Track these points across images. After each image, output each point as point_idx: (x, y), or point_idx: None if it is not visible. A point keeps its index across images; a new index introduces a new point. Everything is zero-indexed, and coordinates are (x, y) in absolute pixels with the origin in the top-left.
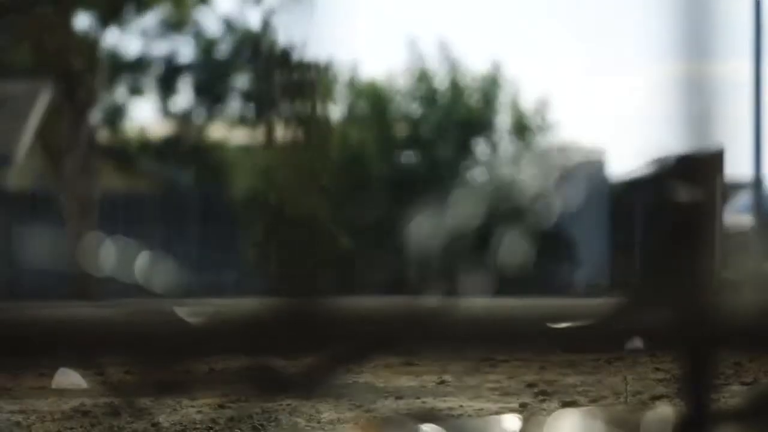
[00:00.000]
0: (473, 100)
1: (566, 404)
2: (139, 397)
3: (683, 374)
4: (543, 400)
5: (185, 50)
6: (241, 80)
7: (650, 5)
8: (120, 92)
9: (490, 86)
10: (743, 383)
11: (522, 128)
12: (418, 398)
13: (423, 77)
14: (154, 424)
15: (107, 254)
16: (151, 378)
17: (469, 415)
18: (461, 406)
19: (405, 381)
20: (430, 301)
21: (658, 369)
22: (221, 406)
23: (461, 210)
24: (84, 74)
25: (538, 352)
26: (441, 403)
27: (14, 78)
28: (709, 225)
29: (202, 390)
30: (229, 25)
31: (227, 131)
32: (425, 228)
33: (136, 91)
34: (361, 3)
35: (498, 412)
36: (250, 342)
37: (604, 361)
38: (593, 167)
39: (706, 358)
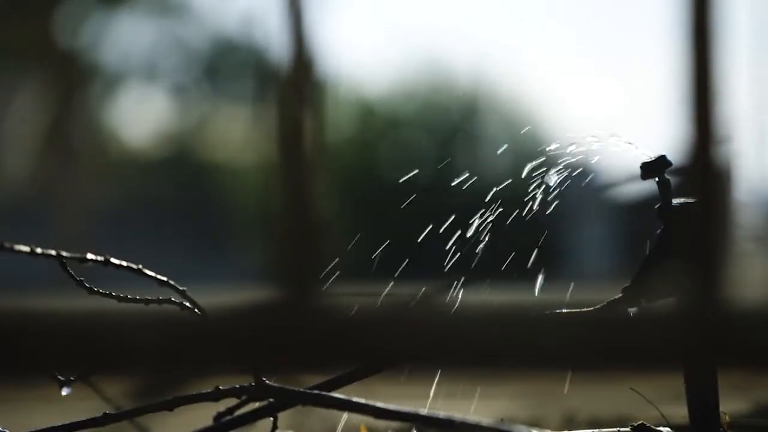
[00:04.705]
0: (468, 100)
1: (569, 417)
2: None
3: (689, 386)
4: (544, 411)
5: (178, 54)
6: (237, 83)
7: (652, 4)
8: (114, 95)
9: (486, 86)
10: (752, 395)
11: (520, 126)
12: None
13: (417, 84)
14: None
15: (101, 252)
16: (146, 382)
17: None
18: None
19: (402, 389)
20: (428, 298)
21: (662, 380)
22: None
23: (459, 210)
24: (80, 77)
25: (538, 359)
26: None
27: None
28: (716, 224)
29: (199, 400)
30: (224, 35)
31: (222, 133)
32: (423, 229)
33: (127, 93)
34: (359, 13)
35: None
36: (247, 339)
37: (608, 370)
38: (593, 164)
39: (713, 370)
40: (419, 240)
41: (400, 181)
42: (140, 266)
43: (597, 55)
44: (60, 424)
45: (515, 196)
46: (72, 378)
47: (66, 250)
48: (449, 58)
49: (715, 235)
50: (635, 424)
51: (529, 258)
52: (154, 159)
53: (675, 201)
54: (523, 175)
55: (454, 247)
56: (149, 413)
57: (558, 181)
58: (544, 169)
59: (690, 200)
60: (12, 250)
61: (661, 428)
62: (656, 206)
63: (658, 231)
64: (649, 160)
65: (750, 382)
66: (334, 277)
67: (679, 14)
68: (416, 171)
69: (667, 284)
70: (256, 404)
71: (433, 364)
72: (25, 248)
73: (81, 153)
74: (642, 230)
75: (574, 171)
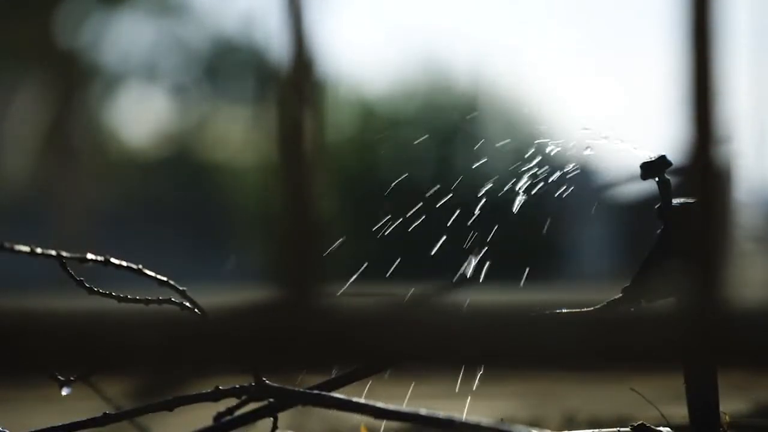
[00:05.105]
0: (468, 100)
1: (569, 417)
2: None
3: (689, 386)
4: (544, 411)
5: (178, 54)
6: (237, 83)
7: (652, 4)
8: (114, 95)
9: (484, 87)
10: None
11: (520, 126)
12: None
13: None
14: None
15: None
16: (146, 382)
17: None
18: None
19: (402, 389)
20: (428, 298)
21: (662, 380)
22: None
23: (457, 210)
24: (80, 77)
25: (538, 358)
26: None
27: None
28: (716, 224)
29: (199, 400)
30: (224, 36)
31: (222, 133)
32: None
33: (127, 94)
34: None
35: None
36: (245, 339)
37: (608, 370)
38: (593, 164)
39: (713, 370)
40: (419, 240)
41: (400, 181)
42: (140, 266)
43: (597, 55)
44: (60, 424)
45: (515, 196)
46: (72, 378)
47: (66, 250)
48: (449, 58)
49: (715, 235)
50: (635, 424)
51: (530, 258)
52: (154, 159)
53: (675, 201)
54: (522, 176)
55: (454, 248)
56: (149, 413)
57: (558, 181)
58: (545, 169)
59: (690, 200)
60: (12, 250)
61: (661, 428)
62: (656, 206)
63: (658, 231)
64: (649, 160)
65: (750, 382)
66: (334, 277)
67: (679, 14)
68: (416, 171)
69: (667, 284)
70: (256, 404)
71: (434, 364)
72: (25, 248)
73: (81, 153)
74: (642, 230)
75: (574, 171)
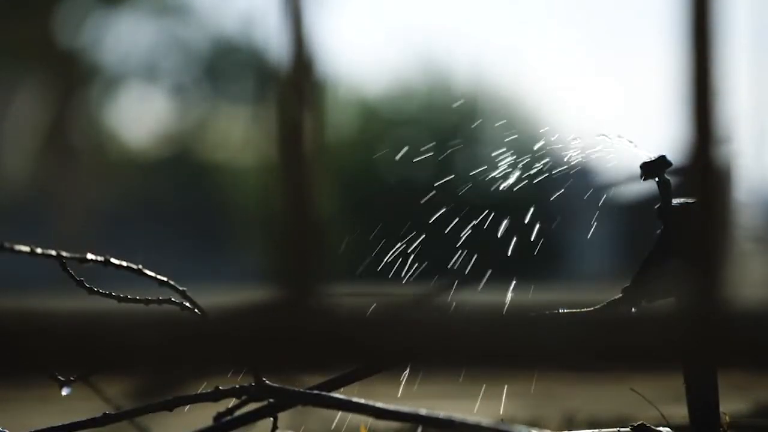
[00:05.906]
0: (468, 100)
1: (569, 417)
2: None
3: (689, 386)
4: (544, 411)
5: (178, 54)
6: (237, 83)
7: (652, 4)
8: (114, 95)
9: (484, 87)
10: (751, 397)
11: (520, 127)
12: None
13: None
14: None
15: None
16: (146, 382)
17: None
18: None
19: (402, 389)
20: (428, 298)
21: (662, 380)
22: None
23: (456, 210)
24: (80, 77)
25: (538, 358)
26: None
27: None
28: (716, 224)
29: (199, 400)
30: (224, 35)
31: (222, 133)
32: (422, 228)
33: (128, 93)
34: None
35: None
36: (246, 339)
37: (608, 370)
38: (593, 164)
39: (713, 370)
40: (419, 240)
41: (400, 182)
42: (140, 266)
43: (597, 55)
44: (60, 424)
45: (515, 196)
46: (72, 378)
47: (66, 250)
48: (449, 58)
49: (715, 235)
50: (635, 424)
51: (529, 258)
52: (154, 159)
53: (675, 201)
54: (522, 176)
55: (454, 248)
56: (149, 413)
57: (558, 181)
58: (544, 169)
59: (690, 200)
60: (12, 250)
61: (661, 428)
62: (656, 206)
63: (658, 231)
64: (649, 160)
65: (750, 382)
66: (334, 277)
67: (679, 14)
68: (416, 171)
69: (667, 284)
70: (256, 404)
71: (434, 364)
72: (25, 248)
73: (81, 153)
74: (642, 230)
75: (574, 171)
